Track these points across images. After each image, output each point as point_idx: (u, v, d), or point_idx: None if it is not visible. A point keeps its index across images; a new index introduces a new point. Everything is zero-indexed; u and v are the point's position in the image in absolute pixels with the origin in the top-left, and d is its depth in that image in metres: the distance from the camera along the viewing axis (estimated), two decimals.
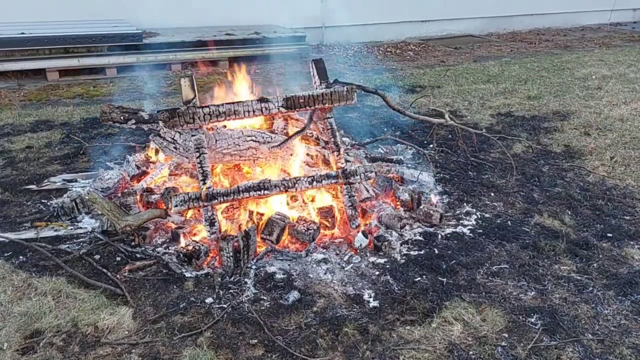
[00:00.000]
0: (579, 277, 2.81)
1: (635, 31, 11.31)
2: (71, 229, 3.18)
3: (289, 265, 2.87)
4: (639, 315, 2.53)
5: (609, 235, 3.24)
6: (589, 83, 6.75)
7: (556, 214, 3.47)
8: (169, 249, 2.98)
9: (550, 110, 5.66)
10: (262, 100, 3.11)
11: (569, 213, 3.49)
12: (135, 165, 3.70)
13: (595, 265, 2.92)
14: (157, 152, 3.75)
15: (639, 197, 3.73)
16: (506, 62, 8.10)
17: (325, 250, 3.02)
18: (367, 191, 3.49)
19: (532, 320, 2.48)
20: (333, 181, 3.15)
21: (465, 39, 10.20)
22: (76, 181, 3.79)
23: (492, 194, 3.73)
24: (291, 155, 3.45)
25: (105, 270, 2.76)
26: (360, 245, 3.03)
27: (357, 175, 3.18)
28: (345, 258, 2.95)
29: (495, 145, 4.44)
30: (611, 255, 3.02)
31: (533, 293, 2.68)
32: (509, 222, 3.37)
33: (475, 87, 6.64)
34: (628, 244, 3.14)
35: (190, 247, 2.86)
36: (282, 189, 3.05)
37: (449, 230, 3.24)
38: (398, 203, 3.47)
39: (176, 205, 2.91)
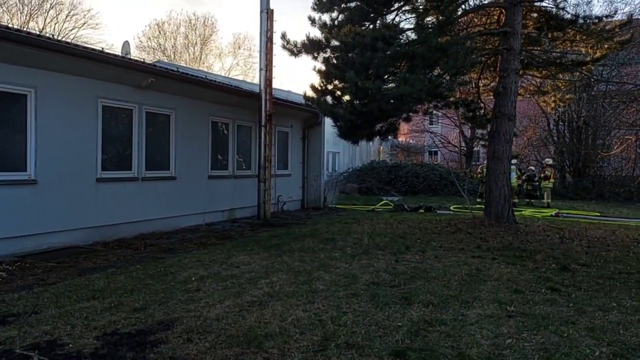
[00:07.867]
0: None
1: (225, 229, 13.58)
2: None
3: None
4: None
5: None
6: (189, 286, 7.38)
7: None
8: None
9: (155, 321, 5.80)
10: None
11: None
12: None
13: None
14: None
15: None
16: (112, 273, 8.10)
17: None
18: None
19: None
20: None
21: (70, 250, 9.82)
22: None
23: None
24: None
25: None
26: None
27: None
28: None
29: None
30: None
31: None
32: None
33: (80, 305, 6.26)
34: None
35: None
36: None
37: None
38: None
39: None
